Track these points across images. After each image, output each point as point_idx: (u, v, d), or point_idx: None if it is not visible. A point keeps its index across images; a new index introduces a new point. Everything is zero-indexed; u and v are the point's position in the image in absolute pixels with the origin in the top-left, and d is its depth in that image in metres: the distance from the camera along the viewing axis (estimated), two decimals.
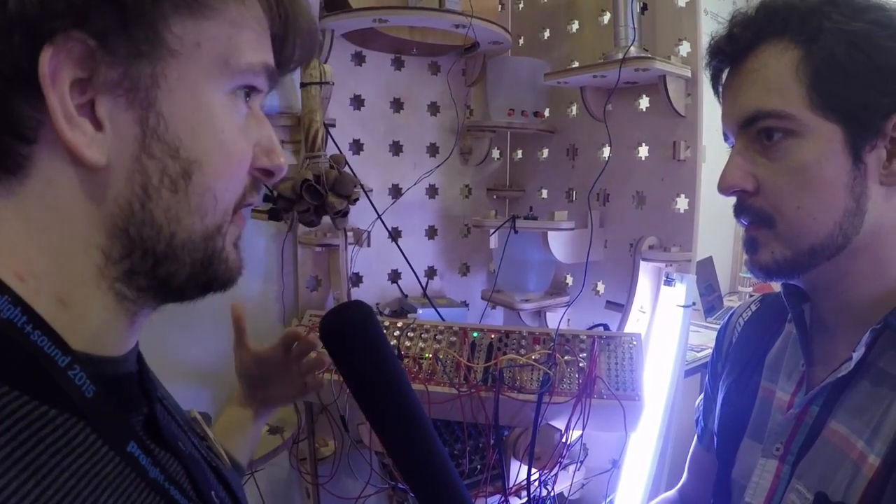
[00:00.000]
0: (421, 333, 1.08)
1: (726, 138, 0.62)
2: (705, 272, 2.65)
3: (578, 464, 1.15)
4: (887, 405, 0.52)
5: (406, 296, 1.46)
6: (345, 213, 1.14)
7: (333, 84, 1.17)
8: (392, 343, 1.04)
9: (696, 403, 0.81)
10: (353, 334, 0.43)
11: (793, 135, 0.54)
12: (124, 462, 0.34)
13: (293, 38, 0.42)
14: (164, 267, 0.37)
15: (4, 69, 0.31)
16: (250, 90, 0.40)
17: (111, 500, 0.32)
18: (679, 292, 1.16)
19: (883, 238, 0.55)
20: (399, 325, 1.10)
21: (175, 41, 0.34)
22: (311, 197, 1.06)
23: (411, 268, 1.34)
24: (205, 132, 0.36)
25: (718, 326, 0.82)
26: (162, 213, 0.35)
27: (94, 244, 0.35)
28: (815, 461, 0.57)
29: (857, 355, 0.54)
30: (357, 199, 1.14)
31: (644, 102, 1.26)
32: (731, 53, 0.59)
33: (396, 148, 1.47)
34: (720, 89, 0.62)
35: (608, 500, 1.17)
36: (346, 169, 1.14)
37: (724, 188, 0.59)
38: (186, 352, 1.17)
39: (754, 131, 0.56)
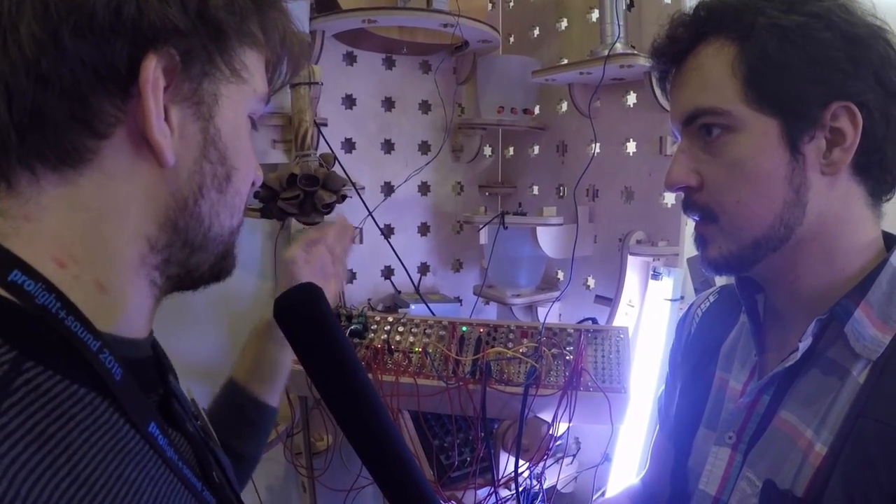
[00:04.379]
0: (411, 328, 1.09)
1: (675, 136, 0.63)
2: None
3: (571, 457, 1.17)
4: (835, 394, 0.52)
5: (399, 292, 1.48)
6: (331, 209, 1.16)
7: (322, 84, 1.19)
8: (382, 337, 1.06)
9: (659, 394, 0.82)
10: (298, 311, 0.47)
11: (730, 130, 0.55)
12: (144, 440, 0.36)
13: (289, 67, 0.48)
14: (196, 257, 0.42)
15: (101, 68, 0.34)
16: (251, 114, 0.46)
17: (134, 475, 0.34)
18: (666, 286, 1.18)
19: (830, 228, 0.55)
20: (390, 319, 1.12)
21: (241, 68, 0.41)
22: (306, 183, 1.07)
23: (402, 265, 1.36)
24: (241, 145, 0.43)
25: None
26: (208, 209, 0.41)
27: (143, 234, 0.38)
28: (765, 450, 0.57)
29: (803, 345, 0.54)
30: (346, 197, 1.16)
31: (631, 98, 1.27)
32: (672, 55, 0.60)
33: (388, 146, 1.49)
34: (668, 88, 0.63)
35: (600, 492, 1.18)
36: (336, 169, 1.16)
37: (668, 185, 0.61)
38: (183, 349, 1.19)
39: (695, 128, 0.58)
